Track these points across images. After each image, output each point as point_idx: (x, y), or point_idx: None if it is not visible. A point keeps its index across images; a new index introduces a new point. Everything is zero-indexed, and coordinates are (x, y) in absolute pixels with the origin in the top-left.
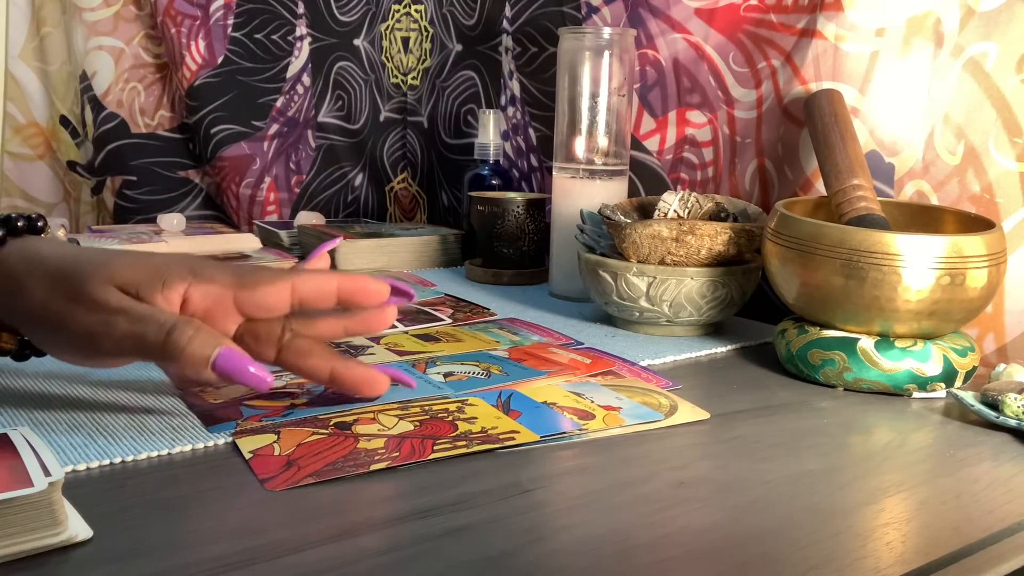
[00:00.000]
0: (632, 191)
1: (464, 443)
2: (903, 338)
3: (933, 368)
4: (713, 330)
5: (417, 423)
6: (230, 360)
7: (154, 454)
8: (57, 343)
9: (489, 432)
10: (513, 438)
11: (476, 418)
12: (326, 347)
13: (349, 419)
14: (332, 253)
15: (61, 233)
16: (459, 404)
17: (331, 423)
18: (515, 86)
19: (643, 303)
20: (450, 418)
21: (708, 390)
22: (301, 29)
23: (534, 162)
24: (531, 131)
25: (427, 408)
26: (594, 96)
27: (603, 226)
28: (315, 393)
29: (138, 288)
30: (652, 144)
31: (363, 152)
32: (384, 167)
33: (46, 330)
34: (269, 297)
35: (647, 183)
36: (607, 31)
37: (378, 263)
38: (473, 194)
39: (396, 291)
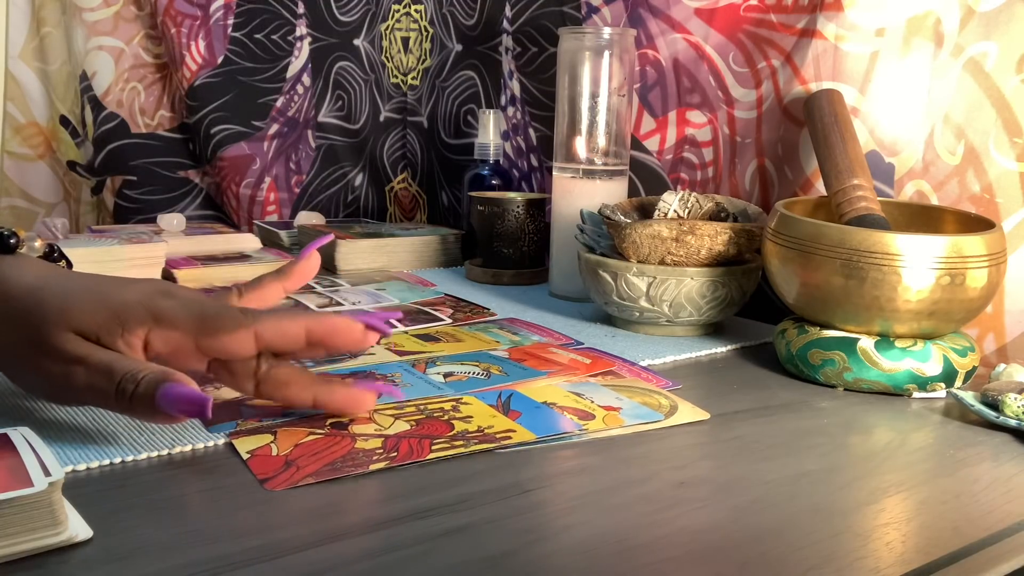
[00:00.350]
0: (632, 191)
1: (462, 442)
2: (903, 338)
3: (933, 368)
4: (713, 330)
5: (413, 423)
6: (171, 394)
7: (154, 454)
8: (30, 386)
9: (486, 431)
10: (510, 437)
11: (472, 417)
12: (306, 373)
13: (345, 419)
14: (332, 253)
15: (38, 244)
16: (454, 403)
17: (327, 423)
18: (515, 86)
19: (643, 303)
20: (446, 417)
21: (708, 390)
22: (301, 29)
23: (534, 162)
24: (531, 131)
25: (423, 408)
26: (594, 96)
27: (603, 226)
28: None
29: (98, 334)
30: (652, 144)
31: (363, 152)
32: (384, 167)
33: (14, 370)
34: (231, 345)
35: (647, 183)
36: (607, 31)
37: (378, 263)
38: (473, 194)
39: (370, 327)
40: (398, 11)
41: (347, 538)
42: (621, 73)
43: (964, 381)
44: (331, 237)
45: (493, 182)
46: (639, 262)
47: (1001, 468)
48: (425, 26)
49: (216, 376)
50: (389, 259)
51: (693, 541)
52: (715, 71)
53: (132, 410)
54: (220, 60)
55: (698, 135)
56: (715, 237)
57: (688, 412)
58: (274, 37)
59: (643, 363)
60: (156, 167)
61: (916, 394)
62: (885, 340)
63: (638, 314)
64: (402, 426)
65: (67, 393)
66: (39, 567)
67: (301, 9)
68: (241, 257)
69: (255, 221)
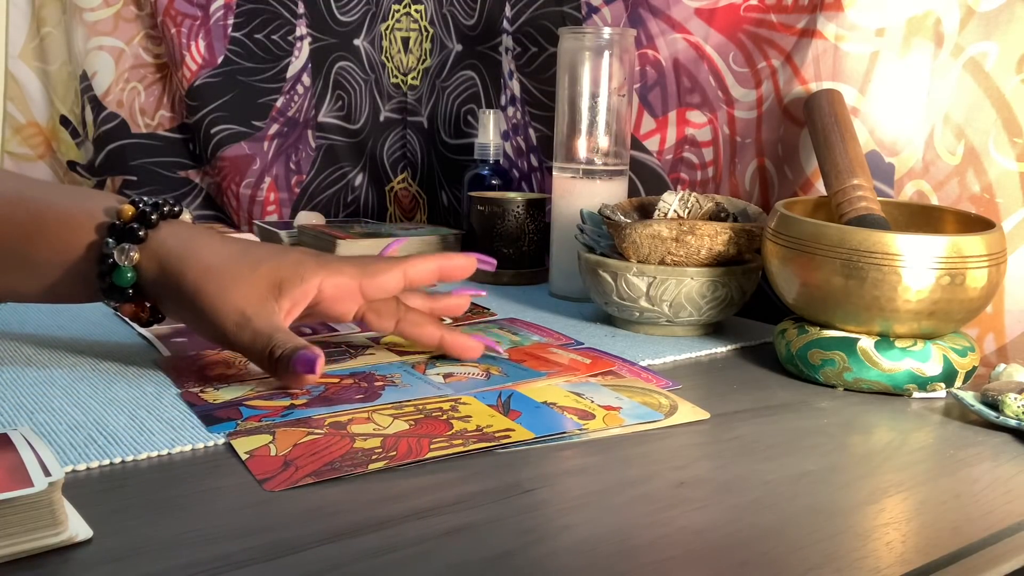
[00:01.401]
0: (632, 191)
1: (460, 442)
2: (903, 338)
3: (933, 368)
4: (713, 330)
5: (412, 422)
6: (300, 358)
7: (154, 454)
8: (197, 326)
9: (484, 430)
10: (509, 436)
11: (471, 416)
12: (436, 319)
13: (344, 419)
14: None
15: (187, 217)
16: (452, 403)
17: (326, 423)
18: (515, 86)
19: (643, 303)
20: (444, 417)
21: (708, 390)
22: (301, 29)
23: (534, 162)
24: (531, 131)
25: (421, 407)
26: (594, 96)
27: (603, 226)
28: (314, 394)
29: (281, 283)
30: (652, 144)
31: (363, 152)
32: (384, 167)
33: (188, 312)
34: (388, 282)
35: (647, 183)
36: (607, 31)
37: None
38: (473, 194)
39: (481, 260)
40: (398, 11)
41: (347, 538)
42: (621, 73)
43: (964, 381)
44: (403, 242)
45: (493, 182)
46: (639, 262)
47: (1001, 468)
48: (425, 26)
49: (365, 319)
50: None
51: (693, 541)
52: (715, 71)
53: (276, 375)
54: (220, 60)
55: (698, 135)
56: (715, 237)
57: (688, 412)
58: (274, 37)
59: (643, 363)
60: (156, 167)
61: (916, 394)
62: (885, 340)
63: (638, 314)
64: (401, 426)
65: (233, 343)
66: (39, 567)
67: (301, 9)
68: None
69: (255, 221)
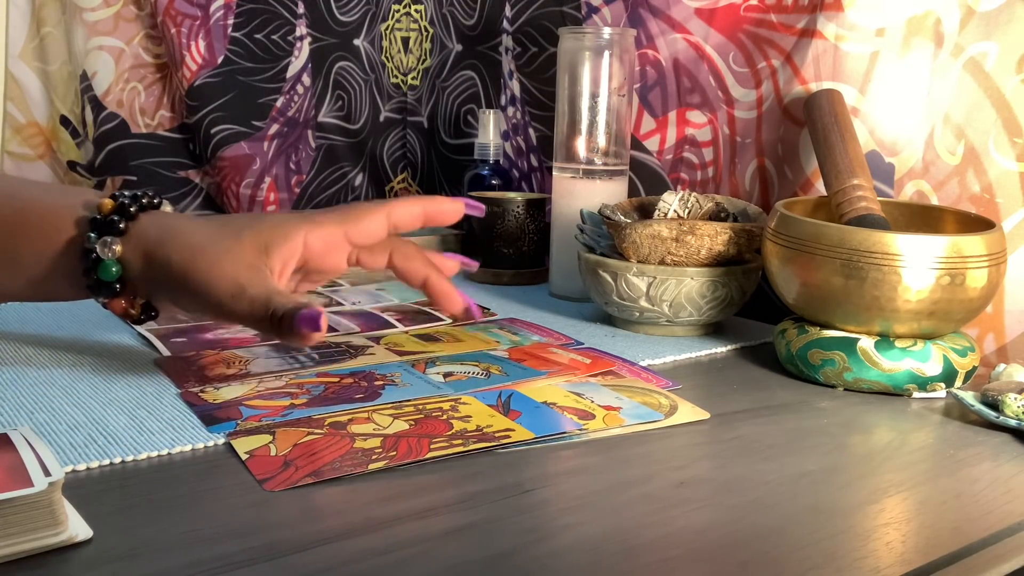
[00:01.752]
0: (632, 191)
1: (460, 442)
2: (903, 338)
3: (933, 368)
4: (713, 330)
5: (412, 422)
6: (303, 316)
7: (154, 454)
8: (193, 307)
9: (484, 430)
10: (509, 436)
11: (471, 416)
12: (426, 258)
13: (344, 419)
14: None
15: (168, 208)
16: (452, 403)
17: (326, 423)
18: (515, 86)
19: (643, 303)
20: (444, 417)
21: (708, 390)
22: (301, 29)
23: (534, 162)
24: (531, 131)
25: (421, 407)
26: (594, 96)
27: (603, 226)
28: (314, 394)
29: (267, 246)
30: (652, 144)
31: (363, 152)
32: (384, 167)
33: (181, 296)
34: (372, 226)
35: (647, 183)
36: (607, 31)
37: None
38: (473, 194)
39: (468, 205)
40: (398, 11)
41: (347, 538)
42: (621, 73)
43: (964, 381)
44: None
45: (493, 182)
46: (639, 262)
47: (1001, 468)
48: (425, 26)
49: (360, 262)
50: None
51: (693, 541)
52: (715, 71)
53: (279, 335)
54: (220, 60)
55: (698, 135)
56: (715, 237)
57: (688, 412)
58: (274, 37)
59: (643, 363)
60: (156, 167)
61: (916, 394)
62: (885, 340)
63: (638, 314)
64: (401, 425)
65: (231, 314)
66: (39, 567)
67: (301, 9)
68: None
69: None
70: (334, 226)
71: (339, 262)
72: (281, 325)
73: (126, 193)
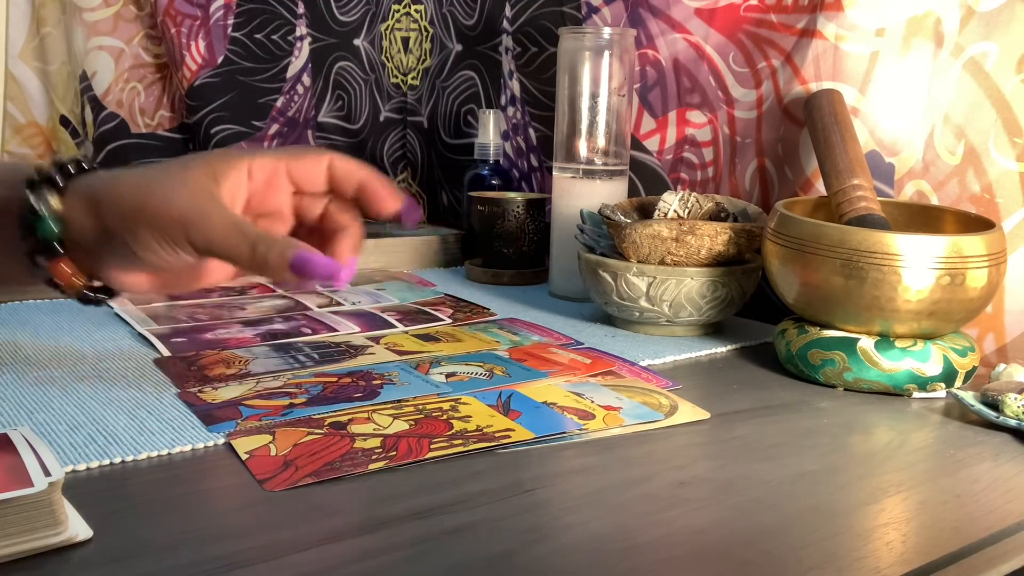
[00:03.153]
0: (632, 191)
1: (460, 442)
2: (903, 338)
3: (933, 368)
4: (713, 330)
5: (412, 422)
6: (303, 259)
7: (154, 454)
8: (151, 249)
9: (484, 431)
10: (509, 436)
11: (471, 416)
12: (359, 228)
13: (344, 419)
14: None
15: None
16: (452, 403)
17: (326, 423)
18: (515, 86)
19: (643, 303)
20: (444, 417)
21: (708, 390)
22: (301, 29)
23: (534, 162)
24: (531, 131)
25: (421, 407)
26: (594, 96)
27: (603, 226)
28: (314, 393)
29: (215, 174)
30: (652, 144)
31: (363, 152)
32: (384, 167)
33: (136, 239)
34: (311, 165)
35: (647, 183)
36: (607, 31)
37: (378, 263)
38: (473, 194)
39: (407, 208)
40: (398, 11)
41: (347, 538)
42: (621, 73)
43: (964, 381)
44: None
45: (493, 182)
46: (639, 262)
47: (1001, 468)
48: (425, 26)
49: (296, 209)
50: (389, 259)
51: (694, 540)
52: (715, 71)
53: (262, 269)
54: (220, 60)
55: (698, 135)
56: (715, 237)
57: (688, 412)
58: (274, 37)
59: (643, 363)
60: None
61: (916, 394)
62: (885, 340)
63: (638, 314)
64: (401, 426)
65: (198, 238)
66: (39, 567)
67: (301, 9)
68: None
69: None
70: (275, 159)
71: (281, 204)
72: (267, 263)
73: (68, 155)
